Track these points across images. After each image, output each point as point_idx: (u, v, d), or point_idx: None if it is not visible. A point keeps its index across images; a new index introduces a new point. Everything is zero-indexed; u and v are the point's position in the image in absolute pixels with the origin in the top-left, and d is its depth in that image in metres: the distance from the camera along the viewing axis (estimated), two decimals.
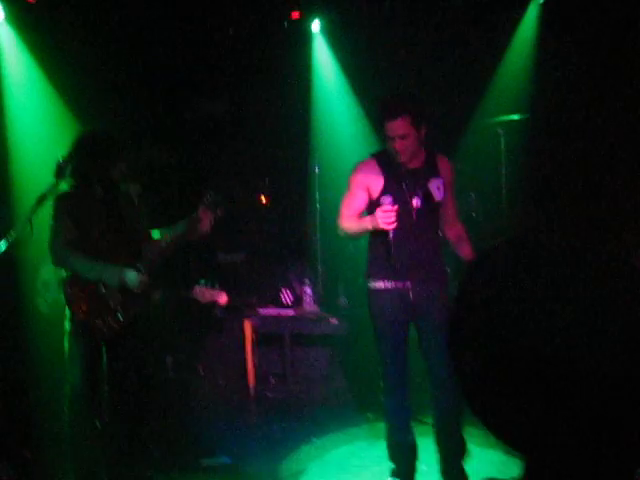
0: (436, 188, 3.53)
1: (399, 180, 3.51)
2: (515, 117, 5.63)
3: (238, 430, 4.86)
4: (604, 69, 5.46)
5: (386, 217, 3.34)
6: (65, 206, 3.63)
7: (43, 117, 5.47)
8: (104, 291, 3.63)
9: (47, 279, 5.15)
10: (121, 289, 3.65)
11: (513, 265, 1.10)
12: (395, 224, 3.35)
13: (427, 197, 3.52)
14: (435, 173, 3.55)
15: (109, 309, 3.64)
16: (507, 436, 1.07)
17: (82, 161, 3.67)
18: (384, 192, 3.51)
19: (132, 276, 3.64)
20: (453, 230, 3.73)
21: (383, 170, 3.54)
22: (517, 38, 6.13)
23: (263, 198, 6.73)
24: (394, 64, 6.18)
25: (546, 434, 0.99)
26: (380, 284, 3.57)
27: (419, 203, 3.49)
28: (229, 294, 6.22)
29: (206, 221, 3.83)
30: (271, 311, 5.85)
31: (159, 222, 4.25)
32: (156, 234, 3.97)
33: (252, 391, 5.67)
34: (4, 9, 5.29)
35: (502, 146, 5.69)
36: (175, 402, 5.38)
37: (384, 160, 3.55)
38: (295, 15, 6.39)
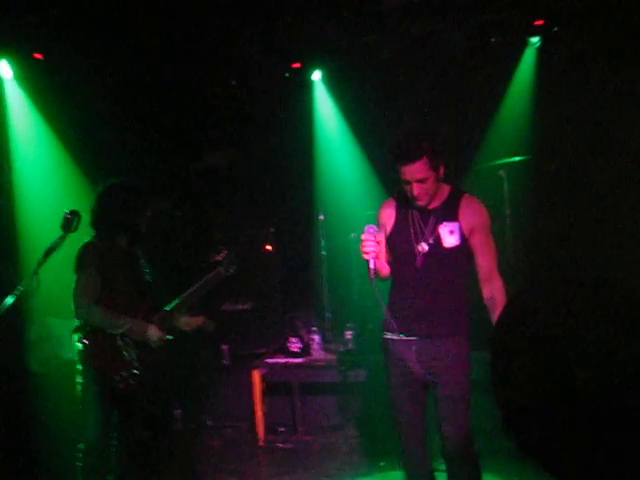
0: (448, 232, 3.15)
1: (408, 223, 3.25)
2: (517, 159, 5.67)
3: None
4: (602, 108, 5.52)
5: (363, 245, 3.07)
6: (90, 257, 3.64)
7: (50, 172, 5.54)
8: (121, 344, 3.62)
9: (36, 338, 5.13)
10: (138, 343, 3.65)
11: (543, 305, 1.10)
12: (373, 254, 3.05)
13: (436, 242, 3.17)
14: (451, 215, 3.17)
15: (125, 363, 3.62)
16: (560, 472, 1.05)
17: (111, 211, 3.70)
18: (392, 234, 3.27)
19: (153, 332, 3.65)
20: (487, 288, 3.20)
21: (397, 210, 3.29)
22: (515, 81, 6.22)
23: (269, 247, 6.75)
24: (395, 111, 6.25)
25: (595, 469, 0.98)
26: (389, 334, 3.30)
27: (425, 248, 3.17)
28: (236, 344, 6.20)
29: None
30: (279, 360, 5.81)
31: (165, 274, 4.29)
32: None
33: (261, 441, 5.60)
34: (12, 66, 5.39)
35: (505, 188, 5.71)
36: (184, 455, 5.30)
37: (401, 200, 3.29)
38: (296, 65, 6.50)
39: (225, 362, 6.06)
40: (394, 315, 3.22)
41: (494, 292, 3.17)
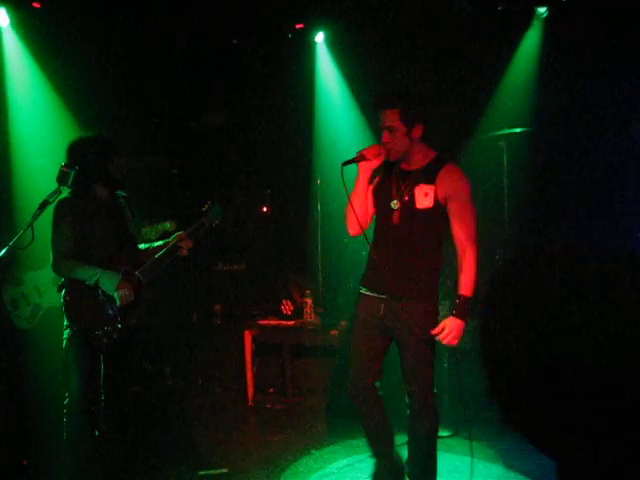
0: (422, 194, 3.26)
1: (390, 180, 3.41)
2: (518, 130, 5.63)
3: (236, 441, 4.83)
4: (606, 82, 5.47)
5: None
6: (63, 212, 3.62)
7: (46, 123, 5.47)
8: (103, 298, 3.61)
9: (12, 297, 5.12)
10: (113, 298, 3.63)
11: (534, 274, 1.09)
12: (371, 154, 3.27)
13: (410, 201, 3.30)
14: (429, 179, 3.28)
15: (109, 318, 3.62)
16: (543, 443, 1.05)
17: (80, 163, 3.65)
18: (375, 189, 3.45)
19: (121, 291, 3.62)
20: (460, 257, 3.27)
21: (384, 169, 3.44)
22: (520, 52, 6.16)
23: (265, 208, 6.73)
24: (397, 76, 6.19)
25: (579, 440, 0.98)
26: (363, 289, 3.49)
27: (398, 205, 3.32)
28: (229, 304, 6.22)
29: (184, 250, 3.87)
30: (271, 321, 5.84)
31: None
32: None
33: (251, 401, 5.65)
34: (9, 14, 5.28)
35: (504, 159, 5.68)
36: (173, 412, 5.35)
37: (388, 161, 3.43)
38: (299, 26, 6.41)
39: (217, 322, 6.08)
40: (371, 272, 3.43)
41: (463, 262, 3.25)
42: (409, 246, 3.31)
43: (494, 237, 5.50)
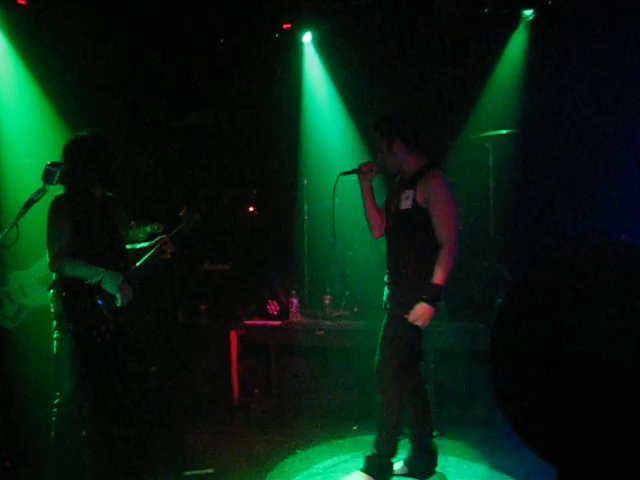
0: (405, 198, 3.73)
1: (390, 190, 3.99)
2: (503, 132, 5.66)
3: (222, 441, 4.82)
4: (592, 85, 5.52)
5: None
6: (62, 209, 3.59)
7: (32, 122, 5.42)
8: (98, 298, 3.59)
9: (2, 295, 5.08)
10: (113, 297, 3.62)
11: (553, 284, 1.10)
12: (365, 168, 3.82)
13: (397, 204, 3.80)
14: (411, 185, 3.73)
15: (103, 318, 3.60)
16: (541, 447, 1.06)
17: (83, 162, 3.63)
18: (386, 199, 3.98)
19: (124, 288, 3.61)
20: (439, 251, 3.62)
21: (393, 182, 4.00)
22: (506, 54, 6.20)
23: (251, 208, 6.72)
24: (384, 77, 6.21)
25: (581, 443, 0.99)
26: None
27: (392, 208, 3.85)
28: (214, 304, 6.21)
29: (167, 254, 3.91)
30: (257, 322, 5.83)
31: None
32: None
33: (236, 401, 5.64)
34: None
35: (490, 160, 5.72)
36: (158, 412, 5.33)
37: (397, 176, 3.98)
38: (286, 26, 6.41)
39: (203, 321, 6.07)
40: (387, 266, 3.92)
41: (440, 255, 3.61)
42: (399, 241, 3.79)
43: (480, 238, 5.53)
